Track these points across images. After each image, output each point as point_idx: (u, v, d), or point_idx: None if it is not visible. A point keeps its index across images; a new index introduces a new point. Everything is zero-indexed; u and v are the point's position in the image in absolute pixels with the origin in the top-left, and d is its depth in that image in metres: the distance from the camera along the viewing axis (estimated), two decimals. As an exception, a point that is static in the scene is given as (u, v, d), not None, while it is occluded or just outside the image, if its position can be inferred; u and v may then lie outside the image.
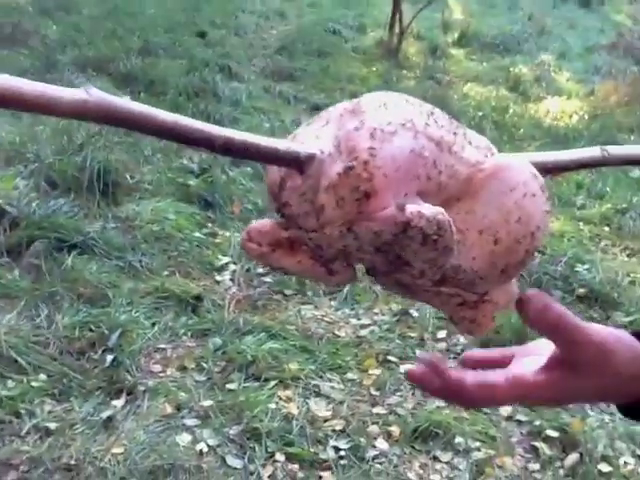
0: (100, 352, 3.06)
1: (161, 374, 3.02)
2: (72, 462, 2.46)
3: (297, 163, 0.55)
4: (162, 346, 3.20)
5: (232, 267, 3.94)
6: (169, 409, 2.79)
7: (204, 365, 3.09)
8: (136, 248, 3.86)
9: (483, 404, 0.67)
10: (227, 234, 4.24)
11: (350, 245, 0.56)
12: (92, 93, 0.52)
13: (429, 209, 0.54)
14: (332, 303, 3.71)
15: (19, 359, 2.91)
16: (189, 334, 3.29)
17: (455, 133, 0.59)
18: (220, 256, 4.02)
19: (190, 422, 2.72)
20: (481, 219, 0.58)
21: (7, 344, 2.95)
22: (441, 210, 0.54)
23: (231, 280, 3.82)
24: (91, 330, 3.16)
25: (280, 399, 2.89)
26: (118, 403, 2.81)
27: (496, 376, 0.63)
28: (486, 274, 0.60)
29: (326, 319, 3.54)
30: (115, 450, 2.53)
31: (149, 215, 4.14)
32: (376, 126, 0.54)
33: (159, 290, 3.54)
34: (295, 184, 0.56)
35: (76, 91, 0.52)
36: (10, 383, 2.82)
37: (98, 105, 0.52)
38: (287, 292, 3.76)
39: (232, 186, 4.67)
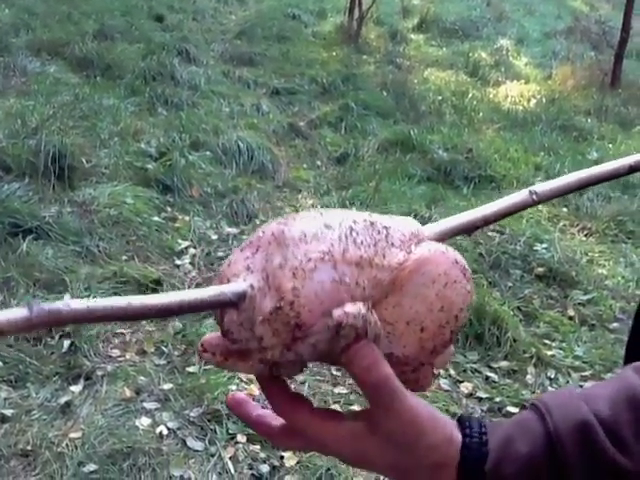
0: (57, 338, 3.01)
1: (120, 359, 2.98)
2: (29, 448, 2.41)
3: (230, 304, 0.62)
4: (121, 331, 3.15)
5: (192, 251, 3.89)
6: (128, 393, 2.75)
7: (164, 349, 3.05)
8: (93, 233, 3.79)
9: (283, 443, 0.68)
10: (187, 218, 4.19)
11: (292, 358, 0.63)
12: (34, 309, 0.53)
13: (351, 307, 0.61)
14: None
15: (-27, 346, 2.85)
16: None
17: (376, 243, 0.64)
18: (180, 240, 3.97)
19: (150, 405, 2.69)
20: (407, 311, 0.65)
21: (-40, 331, 2.88)
22: (360, 304, 0.61)
23: (191, 264, 3.78)
24: (47, 315, 3.10)
25: (241, 381, 2.87)
26: (76, 388, 2.76)
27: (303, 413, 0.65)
28: (417, 357, 0.66)
29: (287, 301, 3.52)
30: (73, 435, 2.49)
31: (106, 199, 4.07)
32: (297, 265, 0.61)
33: (117, 275, 3.49)
34: (232, 318, 0.62)
35: (17, 311, 0.53)
36: (-37, 370, 2.76)
37: (42, 319, 0.53)
38: (248, 275, 3.72)
39: (191, 170, 4.62)
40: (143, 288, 3.43)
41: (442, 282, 0.65)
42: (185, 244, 3.94)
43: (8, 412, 2.59)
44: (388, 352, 0.65)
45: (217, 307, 0.63)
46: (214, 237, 4.08)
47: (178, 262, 3.78)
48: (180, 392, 2.77)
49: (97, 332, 3.06)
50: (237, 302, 0.62)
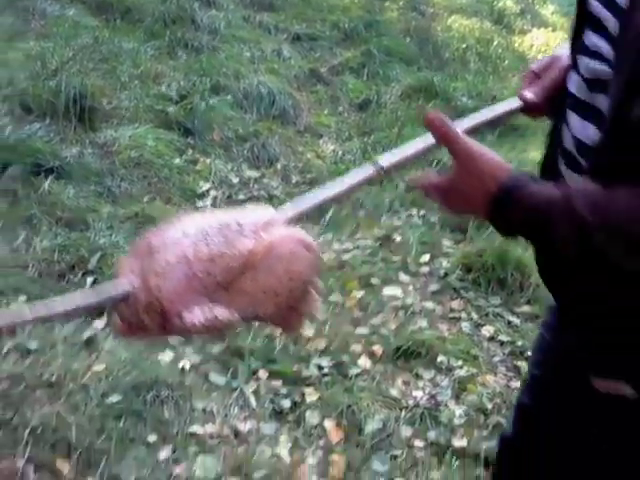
0: (80, 275, 3.02)
1: (142, 296, 2.99)
2: (53, 379, 2.44)
3: (121, 300, 0.86)
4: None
5: (213, 193, 3.88)
6: (151, 329, 2.76)
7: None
8: (115, 174, 3.79)
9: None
10: (208, 161, 4.17)
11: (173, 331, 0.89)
12: None
13: (199, 316, 0.84)
14: (315, 228, 3.67)
15: (-3, 281, 2.86)
16: (170, 258, 3.25)
17: (227, 240, 0.85)
18: (201, 183, 3.96)
19: (172, 340, 2.70)
20: (263, 283, 0.87)
21: (-16, 266, 2.90)
22: (209, 315, 0.84)
23: (212, 206, 3.77)
24: (70, 253, 3.11)
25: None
26: (99, 324, 2.78)
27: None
28: (278, 314, 0.90)
29: (309, 243, 3.50)
30: (96, 368, 2.51)
31: (127, 141, 4.05)
32: (159, 269, 0.83)
33: (139, 215, 3.49)
34: (123, 309, 0.86)
35: None
36: (-12, 304, 2.78)
37: None
38: (269, 217, 3.71)
39: (212, 113, 4.57)
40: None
41: (287, 259, 0.86)
42: (206, 186, 3.92)
43: (33, 345, 2.62)
44: (254, 314, 0.87)
45: (112, 304, 0.86)
46: (235, 180, 4.06)
47: (199, 204, 3.77)
48: (202, 329, 2.77)
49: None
50: (125, 298, 0.85)
